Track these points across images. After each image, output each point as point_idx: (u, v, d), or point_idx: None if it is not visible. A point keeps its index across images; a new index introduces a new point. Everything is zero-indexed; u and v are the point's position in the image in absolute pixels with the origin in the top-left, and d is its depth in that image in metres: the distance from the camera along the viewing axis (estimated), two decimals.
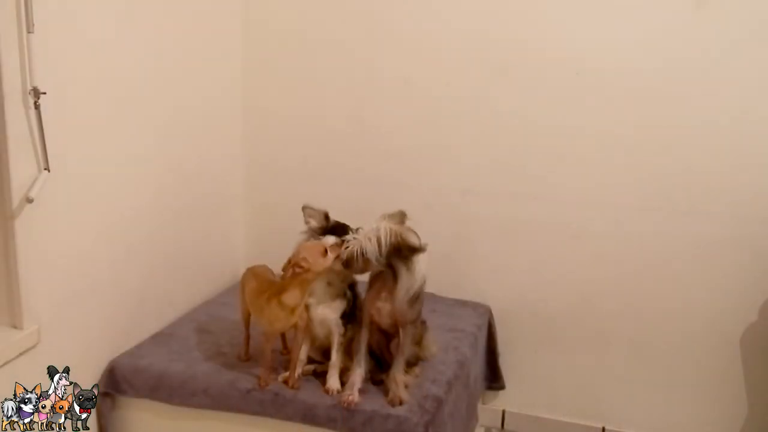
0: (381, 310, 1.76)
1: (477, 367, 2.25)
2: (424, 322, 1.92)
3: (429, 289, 2.36)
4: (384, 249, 1.65)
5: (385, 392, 1.77)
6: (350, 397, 1.73)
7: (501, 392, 2.45)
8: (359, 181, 2.46)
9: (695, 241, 2.19)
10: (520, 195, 2.32)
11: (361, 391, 1.75)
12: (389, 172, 2.44)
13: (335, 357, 1.79)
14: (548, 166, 2.28)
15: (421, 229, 2.41)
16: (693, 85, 2.11)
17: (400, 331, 1.77)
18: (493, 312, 2.40)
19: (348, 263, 1.68)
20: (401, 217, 1.75)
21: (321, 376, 1.83)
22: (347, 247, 1.67)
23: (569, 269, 2.32)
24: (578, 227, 2.29)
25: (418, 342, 1.91)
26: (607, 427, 2.39)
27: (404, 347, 1.77)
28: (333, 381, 1.78)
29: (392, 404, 1.72)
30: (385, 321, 1.78)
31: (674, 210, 2.19)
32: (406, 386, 1.77)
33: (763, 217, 2.12)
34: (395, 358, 1.78)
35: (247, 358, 1.93)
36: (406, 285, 1.69)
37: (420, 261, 1.70)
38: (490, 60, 2.26)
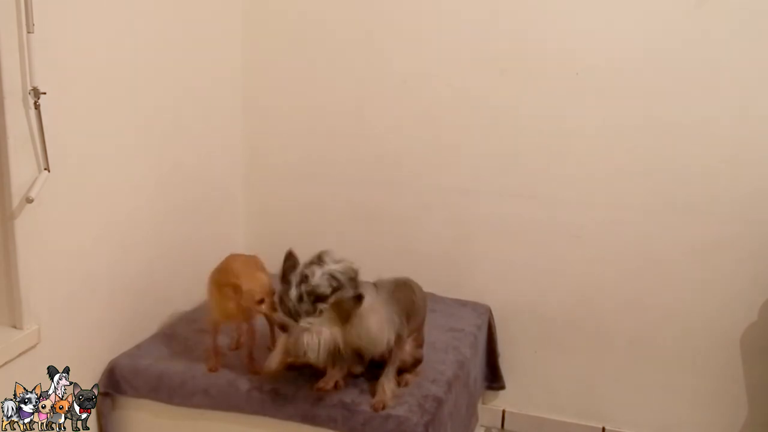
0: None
1: (477, 367, 2.25)
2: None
3: (429, 289, 2.37)
4: (323, 356, 1.65)
5: (372, 394, 1.77)
6: (324, 386, 1.76)
7: (501, 392, 2.45)
8: (359, 180, 2.47)
9: (695, 240, 2.19)
10: (520, 195, 2.32)
11: (338, 385, 1.78)
12: (389, 171, 2.44)
13: None
14: (548, 165, 2.28)
15: (421, 229, 2.43)
16: (693, 84, 2.11)
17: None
18: (493, 312, 2.40)
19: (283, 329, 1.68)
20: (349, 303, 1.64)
21: (297, 368, 1.83)
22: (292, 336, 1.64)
23: (569, 269, 2.32)
24: (578, 227, 2.29)
25: (421, 345, 1.91)
26: (607, 427, 2.39)
27: (395, 357, 1.78)
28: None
29: (375, 409, 1.72)
30: None
31: (675, 210, 2.19)
32: (394, 394, 1.77)
33: (763, 217, 2.12)
34: (386, 366, 1.78)
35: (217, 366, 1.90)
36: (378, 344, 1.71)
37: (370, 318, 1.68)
38: (490, 59, 2.26)
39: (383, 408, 1.72)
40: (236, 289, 1.74)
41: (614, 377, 2.35)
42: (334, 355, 1.68)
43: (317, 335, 1.62)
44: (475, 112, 2.32)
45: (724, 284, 2.19)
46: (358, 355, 1.75)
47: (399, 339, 1.77)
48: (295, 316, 1.63)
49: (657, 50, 2.12)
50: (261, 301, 1.74)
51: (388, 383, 1.76)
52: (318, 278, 1.63)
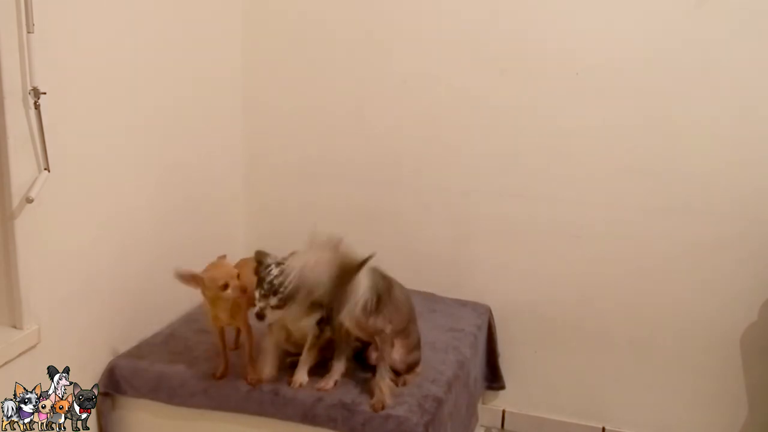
0: (348, 324, 1.77)
1: (477, 367, 2.25)
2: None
3: (429, 289, 2.38)
4: (304, 287, 1.62)
5: (370, 395, 1.76)
6: (324, 386, 1.77)
7: (501, 392, 2.45)
8: (359, 180, 2.47)
9: (695, 241, 2.19)
10: (520, 195, 2.32)
11: (337, 383, 1.79)
12: (389, 171, 2.44)
13: (305, 354, 1.81)
14: (549, 165, 2.28)
15: (421, 229, 2.43)
16: (693, 84, 2.11)
17: (377, 339, 1.78)
18: (493, 312, 2.40)
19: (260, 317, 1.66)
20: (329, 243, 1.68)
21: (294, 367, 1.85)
22: (281, 284, 1.62)
23: (569, 269, 2.32)
24: (578, 227, 2.29)
25: (417, 346, 1.91)
26: (607, 427, 2.39)
27: (384, 354, 1.77)
28: (299, 374, 1.80)
29: (375, 409, 1.72)
30: (359, 334, 1.80)
31: (675, 210, 2.19)
32: (392, 392, 1.77)
33: (763, 217, 2.12)
34: (378, 365, 1.78)
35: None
36: (351, 304, 1.68)
37: (361, 276, 1.68)
38: (491, 59, 2.26)
39: (383, 408, 1.72)
40: (198, 281, 1.73)
41: (614, 377, 2.35)
42: (308, 294, 1.63)
43: (305, 262, 1.61)
44: (475, 112, 2.32)
45: (724, 284, 2.19)
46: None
47: (383, 335, 1.76)
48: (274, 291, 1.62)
49: (657, 50, 2.12)
50: (225, 286, 1.71)
51: (383, 382, 1.76)
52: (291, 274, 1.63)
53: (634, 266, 2.27)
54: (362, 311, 1.70)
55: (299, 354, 1.84)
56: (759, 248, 2.14)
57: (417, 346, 1.91)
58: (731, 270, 2.18)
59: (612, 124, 2.20)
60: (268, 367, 1.81)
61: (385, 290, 1.76)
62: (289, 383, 1.79)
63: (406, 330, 1.85)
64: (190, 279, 1.73)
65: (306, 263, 1.62)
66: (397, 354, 1.82)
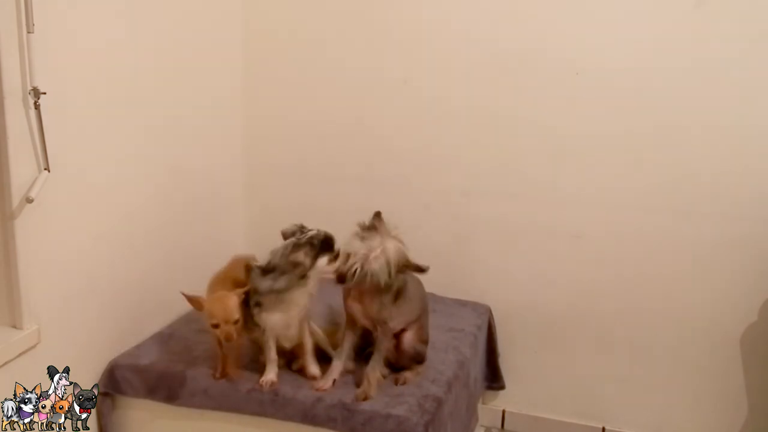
0: (353, 308, 1.79)
1: (477, 367, 2.25)
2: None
3: (429, 289, 2.37)
4: (393, 271, 1.68)
5: (357, 385, 1.78)
6: (323, 386, 1.77)
7: (501, 392, 2.45)
8: (359, 181, 2.47)
9: (695, 241, 2.19)
10: (520, 195, 2.32)
11: (336, 383, 1.79)
12: (389, 172, 2.44)
13: (307, 342, 1.82)
14: (548, 166, 2.28)
15: (420, 229, 2.43)
16: (693, 85, 2.11)
17: (378, 329, 1.79)
18: (493, 312, 2.40)
19: (342, 279, 1.69)
20: (385, 226, 1.75)
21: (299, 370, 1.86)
22: (350, 268, 1.66)
23: (569, 270, 2.32)
24: (578, 228, 2.29)
25: (425, 340, 1.92)
26: (607, 427, 2.39)
27: (380, 345, 1.79)
28: (312, 367, 1.82)
29: (357, 399, 1.74)
30: (362, 321, 1.81)
31: (674, 211, 2.19)
32: (379, 383, 1.79)
33: (763, 218, 2.12)
34: (372, 355, 1.79)
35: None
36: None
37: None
38: (490, 60, 2.26)
39: (365, 399, 1.73)
40: (200, 307, 1.74)
41: (614, 377, 2.35)
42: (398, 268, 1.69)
43: (383, 254, 1.67)
44: (475, 113, 2.32)
45: (724, 284, 2.19)
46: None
47: (385, 325, 1.77)
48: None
49: (656, 50, 2.12)
50: (215, 326, 1.71)
51: (372, 373, 1.77)
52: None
53: (633, 267, 2.26)
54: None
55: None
56: (759, 248, 2.14)
57: (426, 341, 1.92)
58: (731, 270, 2.18)
59: (612, 125, 2.20)
60: (270, 374, 1.81)
61: (403, 284, 1.79)
62: (311, 378, 1.81)
63: (419, 320, 1.88)
64: (194, 302, 1.75)
65: (375, 250, 1.68)
66: (407, 339, 1.85)
